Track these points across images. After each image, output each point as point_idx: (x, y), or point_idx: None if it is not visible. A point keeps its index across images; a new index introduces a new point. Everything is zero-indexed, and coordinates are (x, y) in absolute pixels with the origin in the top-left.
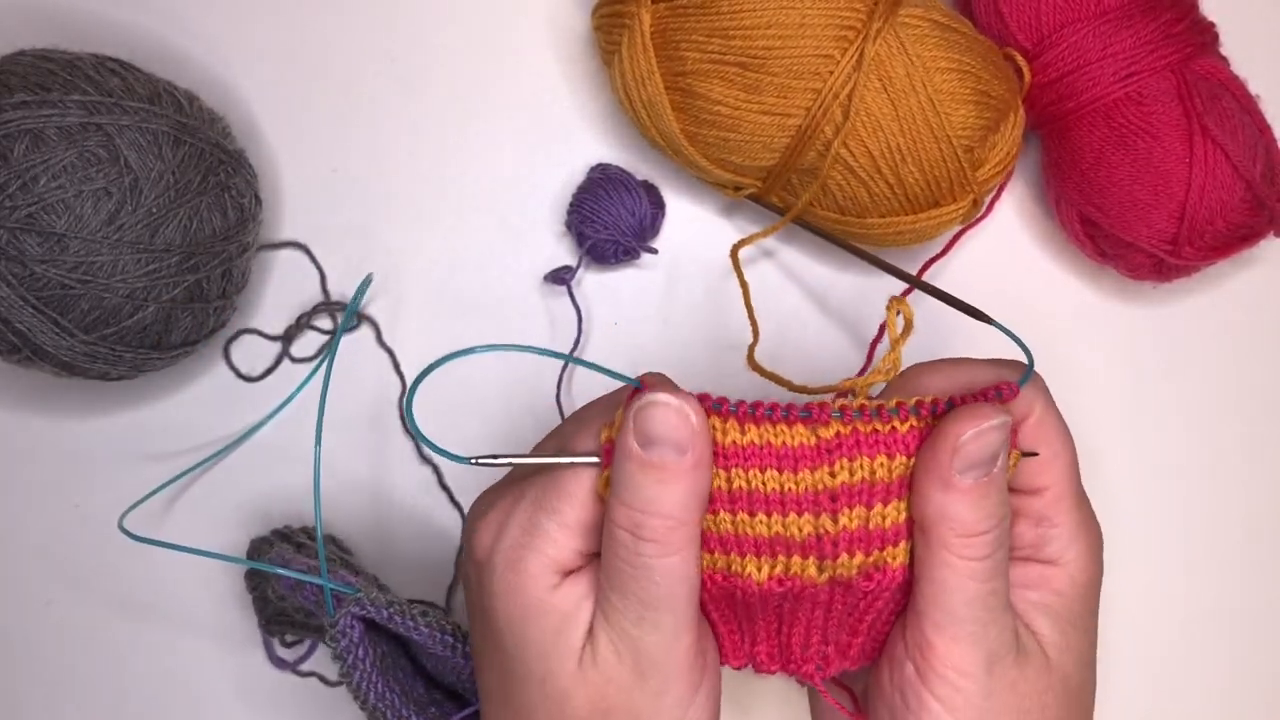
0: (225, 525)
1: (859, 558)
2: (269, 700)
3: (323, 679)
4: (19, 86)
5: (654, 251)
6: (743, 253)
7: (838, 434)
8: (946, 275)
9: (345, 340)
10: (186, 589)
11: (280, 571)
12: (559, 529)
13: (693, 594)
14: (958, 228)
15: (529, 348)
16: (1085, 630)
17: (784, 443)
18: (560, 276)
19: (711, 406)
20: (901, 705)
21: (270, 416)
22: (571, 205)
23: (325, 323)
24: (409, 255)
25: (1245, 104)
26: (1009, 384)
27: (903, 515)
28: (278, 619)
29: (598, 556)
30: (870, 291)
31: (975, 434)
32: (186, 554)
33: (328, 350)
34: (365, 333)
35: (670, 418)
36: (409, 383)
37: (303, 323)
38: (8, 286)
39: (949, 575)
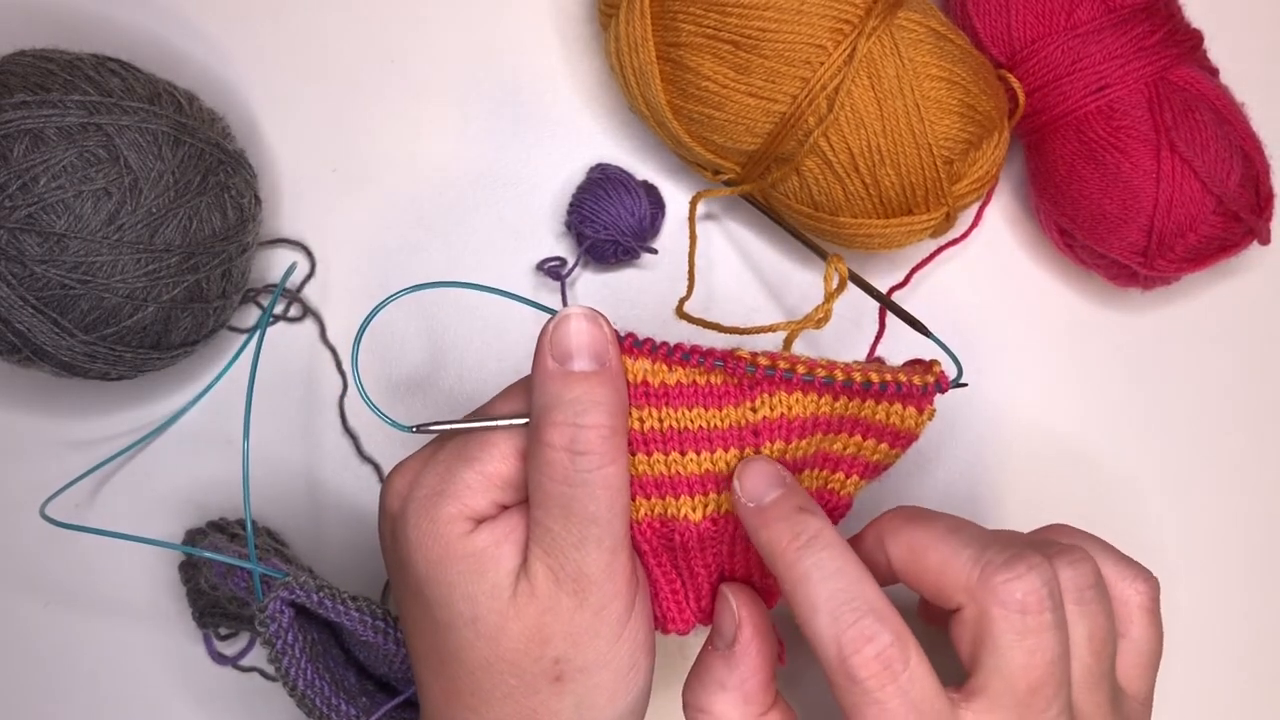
0: (161, 517)
1: None
2: (210, 695)
3: (263, 674)
4: (19, 86)
5: (654, 251)
6: (724, 236)
7: (758, 369)
8: (934, 279)
9: (295, 335)
10: (121, 581)
11: (209, 555)
12: (477, 477)
13: (627, 508)
14: (929, 239)
15: (446, 283)
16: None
17: (708, 381)
18: (555, 270)
19: (642, 346)
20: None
21: (193, 403)
22: (571, 205)
23: (313, 328)
24: (408, 255)
25: (1224, 114)
26: (942, 374)
27: (813, 448)
28: (211, 611)
29: (511, 508)
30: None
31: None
32: (118, 543)
33: (250, 335)
34: (309, 329)
35: (583, 327)
36: (356, 333)
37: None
38: (7, 286)
39: (784, 576)
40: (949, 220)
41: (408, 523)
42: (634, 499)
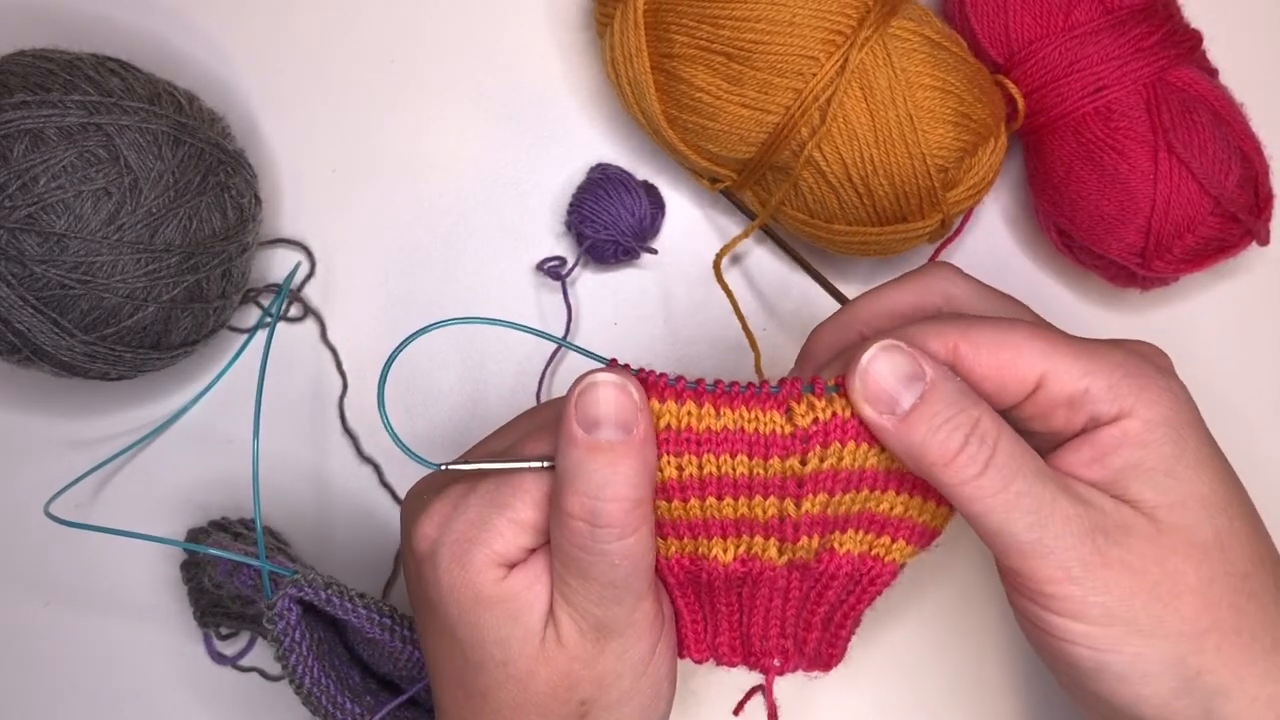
0: (163, 517)
1: (816, 540)
2: (210, 695)
3: (263, 674)
4: (19, 86)
5: (654, 252)
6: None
7: (815, 421)
8: None
9: (295, 335)
10: (122, 580)
11: (220, 554)
12: (509, 525)
13: (651, 565)
14: (925, 245)
15: (482, 320)
16: (1194, 472)
17: (756, 430)
18: (555, 270)
19: (696, 387)
20: (1046, 638)
21: (193, 403)
22: (571, 205)
23: (314, 328)
24: (408, 255)
25: (1223, 114)
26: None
27: (856, 505)
28: (213, 610)
29: (538, 550)
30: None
31: (868, 361)
32: (118, 542)
33: (251, 334)
34: (310, 329)
35: (611, 396)
36: (380, 372)
37: (250, 296)
38: (7, 286)
39: (970, 507)
40: (945, 226)
41: (439, 567)
42: (664, 538)
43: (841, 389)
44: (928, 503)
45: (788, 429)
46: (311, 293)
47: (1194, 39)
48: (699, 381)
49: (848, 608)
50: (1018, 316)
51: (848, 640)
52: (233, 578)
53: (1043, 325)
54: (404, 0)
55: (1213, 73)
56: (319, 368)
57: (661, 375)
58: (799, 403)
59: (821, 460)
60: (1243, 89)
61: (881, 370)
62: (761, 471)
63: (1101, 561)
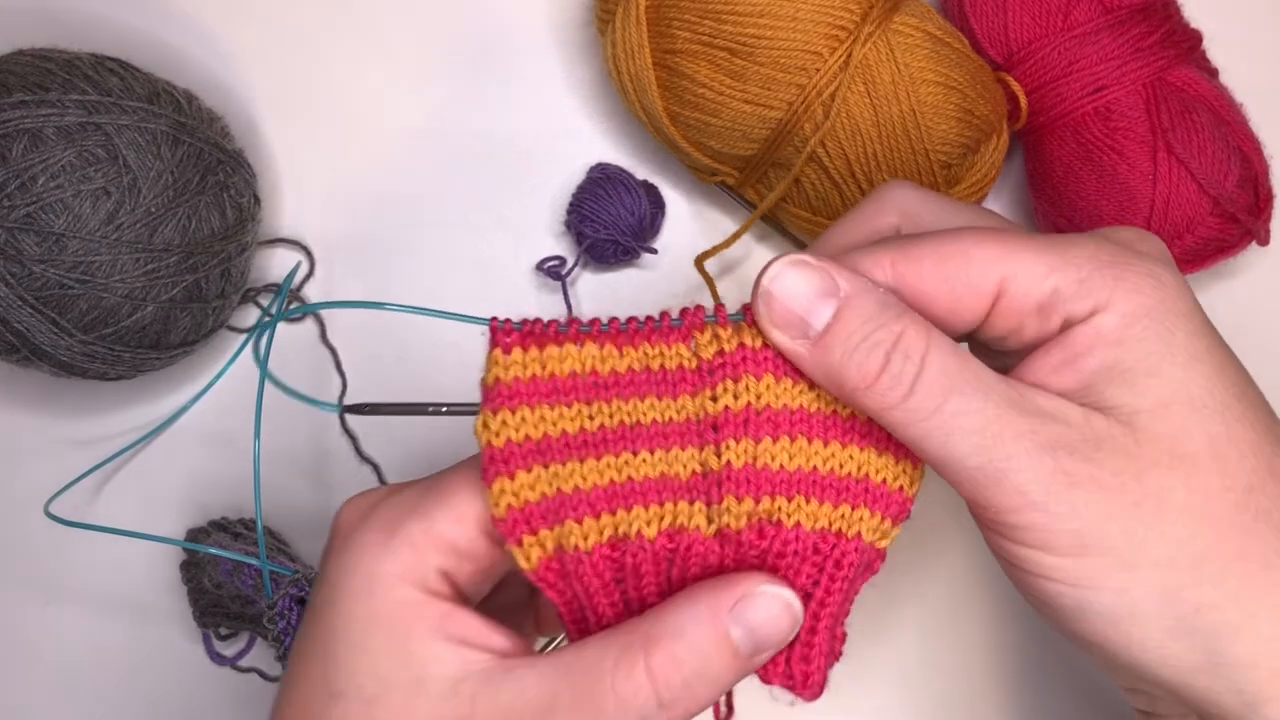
0: (162, 517)
1: (747, 503)
2: (209, 695)
3: (263, 674)
4: (17, 86)
5: (654, 251)
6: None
7: (721, 353)
8: None
9: (295, 335)
10: (120, 580)
11: (218, 553)
12: (423, 535)
13: None
14: None
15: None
16: (1183, 371)
17: (663, 365)
18: (555, 270)
19: (580, 330)
20: (1021, 575)
21: (192, 402)
22: (571, 205)
23: (314, 328)
24: (408, 254)
25: (1223, 115)
26: None
27: (796, 460)
28: (212, 610)
29: (459, 593)
30: None
31: (771, 280)
32: (117, 542)
33: (251, 335)
34: (310, 329)
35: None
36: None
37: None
38: (6, 286)
39: (905, 435)
40: None
41: (344, 568)
42: (581, 520)
43: (749, 316)
44: (885, 456)
45: (693, 363)
46: (311, 293)
47: (1193, 39)
48: (593, 321)
49: (816, 604)
50: (980, 225)
51: (826, 654)
52: (233, 578)
53: (1001, 227)
54: (404, 1)
55: (1212, 73)
56: (319, 368)
57: (551, 322)
58: (702, 333)
59: (736, 398)
60: (1242, 89)
61: (787, 289)
62: (674, 415)
63: (1067, 482)
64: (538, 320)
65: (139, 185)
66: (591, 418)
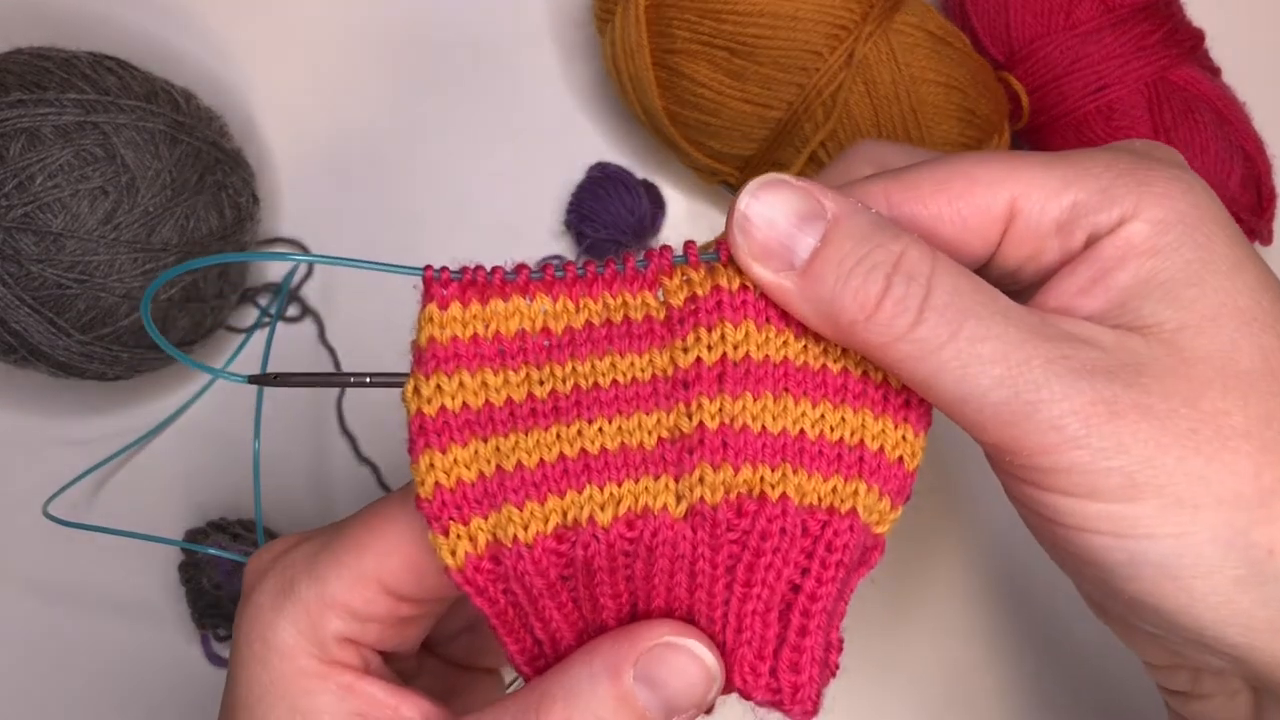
0: (161, 517)
1: (725, 473)
2: (207, 696)
3: None
4: (15, 85)
5: None
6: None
7: (693, 297)
8: None
9: (294, 335)
10: (119, 581)
11: (217, 553)
12: (316, 600)
13: None
14: None
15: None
16: (1229, 279)
17: (626, 317)
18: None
19: (531, 278)
20: (1056, 531)
21: (191, 402)
22: (571, 204)
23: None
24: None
25: (1225, 114)
26: None
27: (780, 423)
28: (211, 611)
29: (367, 656)
30: None
31: (747, 204)
32: (116, 543)
33: (249, 335)
34: (309, 329)
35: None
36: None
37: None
38: (3, 286)
39: (914, 373)
40: None
41: (242, 631)
42: (522, 505)
43: (724, 253)
44: (883, 420)
45: (662, 313)
46: (310, 292)
47: (1196, 37)
48: (546, 267)
49: (806, 598)
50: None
51: (819, 662)
52: (232, 578)
53: (1002, 151)
54: (403, 1)
55: (1215, 71)
56: (318, 368)
57: (496, 269)
58: (671, 277)
59: (709, 348)
60: (1245, 88)
61: (765, 214)
62: (639, 374)
63: (1109, 412)
64: (479, 267)
65: (137, 184)
66: (542, 383)
